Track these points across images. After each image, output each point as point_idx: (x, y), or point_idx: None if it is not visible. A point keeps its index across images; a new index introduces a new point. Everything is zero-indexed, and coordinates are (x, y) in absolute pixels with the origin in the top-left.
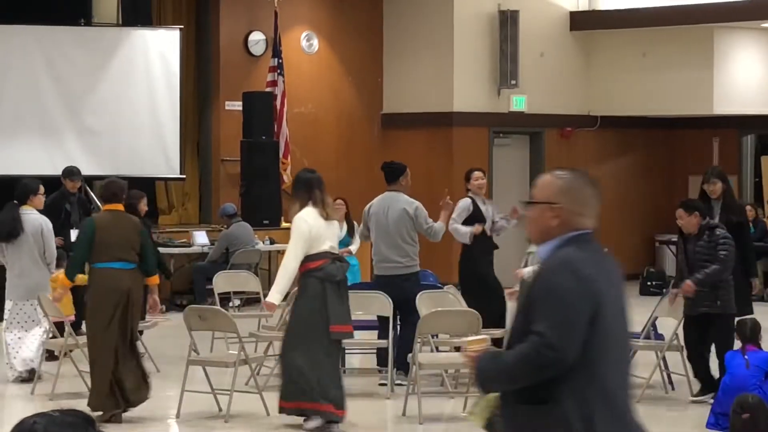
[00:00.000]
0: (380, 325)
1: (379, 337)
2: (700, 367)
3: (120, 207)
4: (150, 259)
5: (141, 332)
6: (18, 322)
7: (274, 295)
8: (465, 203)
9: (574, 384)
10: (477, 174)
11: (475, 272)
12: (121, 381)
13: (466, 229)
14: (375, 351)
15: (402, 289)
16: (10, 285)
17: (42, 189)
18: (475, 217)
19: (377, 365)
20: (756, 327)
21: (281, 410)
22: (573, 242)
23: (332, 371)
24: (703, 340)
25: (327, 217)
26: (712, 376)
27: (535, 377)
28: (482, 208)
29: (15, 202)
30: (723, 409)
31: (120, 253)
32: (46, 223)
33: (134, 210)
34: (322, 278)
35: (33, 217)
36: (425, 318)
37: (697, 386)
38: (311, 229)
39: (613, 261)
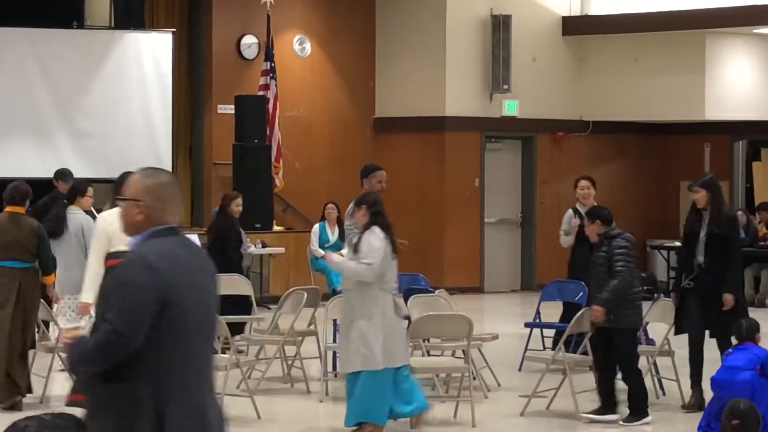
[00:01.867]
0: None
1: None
2: (602, 383)
3: (20, 210)
4: (44, 260)
5: None
6: (63, 315)
7: (85, 295)
8: (568, 214)
9: (147, 366)
10: (583, 183)
11: (580, 278)
12: (15, 371)
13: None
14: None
15: None
16: (57, 280)
17: (90, 191)
18: (580, 226)
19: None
20: (752, 326)
21: (71, 404)
22: (156, 236)
23: None
24: (607, 356)
25: None
26: (615, 397)
27: (108, 360)
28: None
29: (65, 201)
30: (715, 410)
31: (13, 253)
32: (88, 223)
33: (226, 212)
34: None
35: (77, 217)
36: (417, 322)
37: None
38: (107, 227)
39: (203, 255)
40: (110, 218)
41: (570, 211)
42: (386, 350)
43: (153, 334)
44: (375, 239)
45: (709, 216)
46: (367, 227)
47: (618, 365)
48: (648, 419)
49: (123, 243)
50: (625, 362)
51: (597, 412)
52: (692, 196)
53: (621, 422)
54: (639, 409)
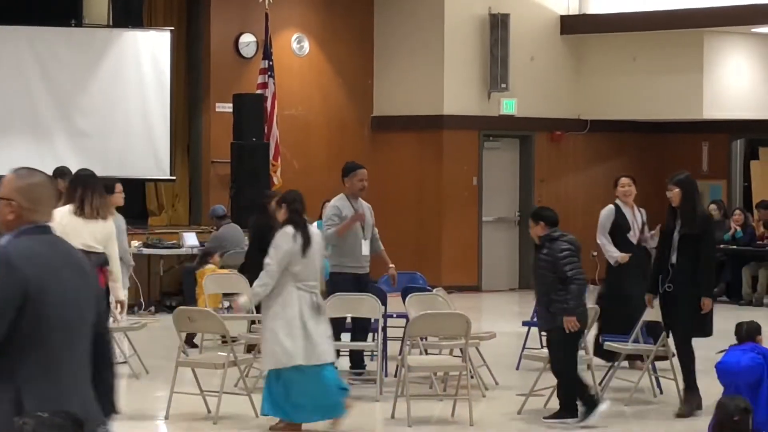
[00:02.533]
0: (354, 326)
1: (353, 339)
2: (558, 387)
3: None
4: None
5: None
6: None
7: None
8: (608, 210)
9: (6, 364)
10: (623, 181)
11: (620, 285)
12: None
13: (615, 254)
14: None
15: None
16: None
17: (120, 187)
18: (618, 224)
19: (351, 368)
20: (752, 327)
21: None
22: (25, 234)
23: None
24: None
25: (84, 215)
26: (575, 401)
27: None
28: (628, 216)
29: None
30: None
31: None
32: (121, 222)
33: (266, 210)
34: None
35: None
36: (414, 321)
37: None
38: (56, 226)
39: (70, 252)
40: (59, 217)
41: (611, 207)
42: (307, 348)
43: (14, 327)
44: (281, 239)
45: (681, 215)
46: (283, 225)
47: (551, 361)
48: (571, 421)
49: (77, 240)
50: (554, 362)
51: (554, 416)
52: (667, 194)
53: (543, 418)
54: (567, 407)
